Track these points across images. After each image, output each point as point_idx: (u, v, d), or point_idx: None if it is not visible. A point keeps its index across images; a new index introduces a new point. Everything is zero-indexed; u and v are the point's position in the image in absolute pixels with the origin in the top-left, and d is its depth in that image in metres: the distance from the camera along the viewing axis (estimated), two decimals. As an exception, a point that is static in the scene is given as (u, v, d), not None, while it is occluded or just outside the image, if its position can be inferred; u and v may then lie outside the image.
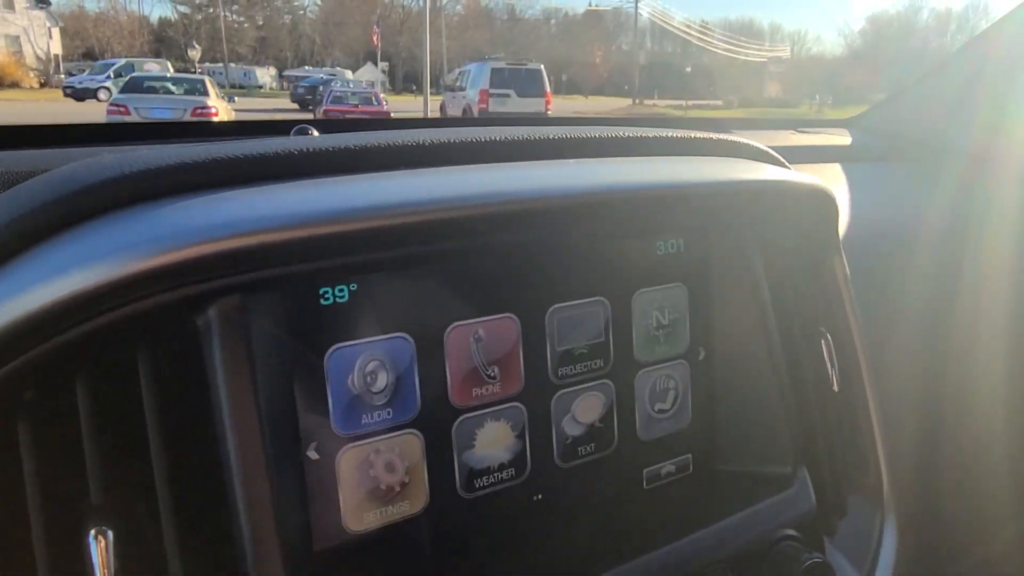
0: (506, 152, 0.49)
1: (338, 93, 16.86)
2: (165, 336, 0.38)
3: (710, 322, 0.58)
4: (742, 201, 0.53)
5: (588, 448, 0.53)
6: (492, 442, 0.49)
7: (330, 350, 0.42)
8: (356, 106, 15.88)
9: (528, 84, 15.25)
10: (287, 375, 0.41)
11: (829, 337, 0.59)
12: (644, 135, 0.56)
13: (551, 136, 0.52)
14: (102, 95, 21.87)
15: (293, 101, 23.98)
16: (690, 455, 0.58)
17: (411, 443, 0.46)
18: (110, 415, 0.37)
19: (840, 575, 0.53)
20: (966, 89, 1.09)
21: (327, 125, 0.94)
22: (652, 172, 0.51)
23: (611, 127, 0.56)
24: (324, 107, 15.94)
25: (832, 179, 0.96)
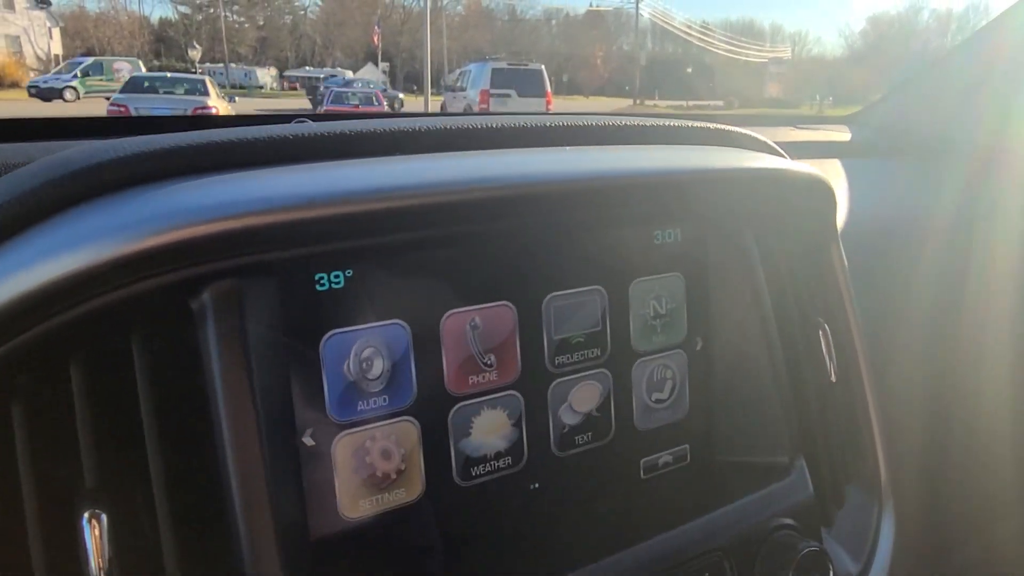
0: (503, 139, 0.49)
1: (339, 92, 16.93)
2: (160, 320, 0.38)
3: (708, 312, 0.58)
4: (739, 189, 0.53)
5: (585, 437, 0.52)
6: (489, 430, 0.49)
7: (326, 336, 0.42)
8: (356, 106, 15.91)
9: (529, 84, 15.25)
10: (282, 360, 0.41)
11: (827, 328, 0.59)
12: (641, 124, 0.56)
13: (548, 124, 0.52)
14: (68, 95, 21.34)
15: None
16: (687, 445, 0.57)
17: (407, 430, 0.46)
18: (104, 399, 0.36)
19: (837, 565, 0.53)
20: (966, 85, 1.09)
21: (326, 119, 0.94)
22: (649, 159, 0.51)
23: (608, 116, 0.56)
24: (325, 107, 15.99)
25: (831, 175, 0.96)
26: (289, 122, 0.69)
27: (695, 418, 0.58)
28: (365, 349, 0.44)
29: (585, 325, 0.52)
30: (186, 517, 0.38)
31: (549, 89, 16.02)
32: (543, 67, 16.21)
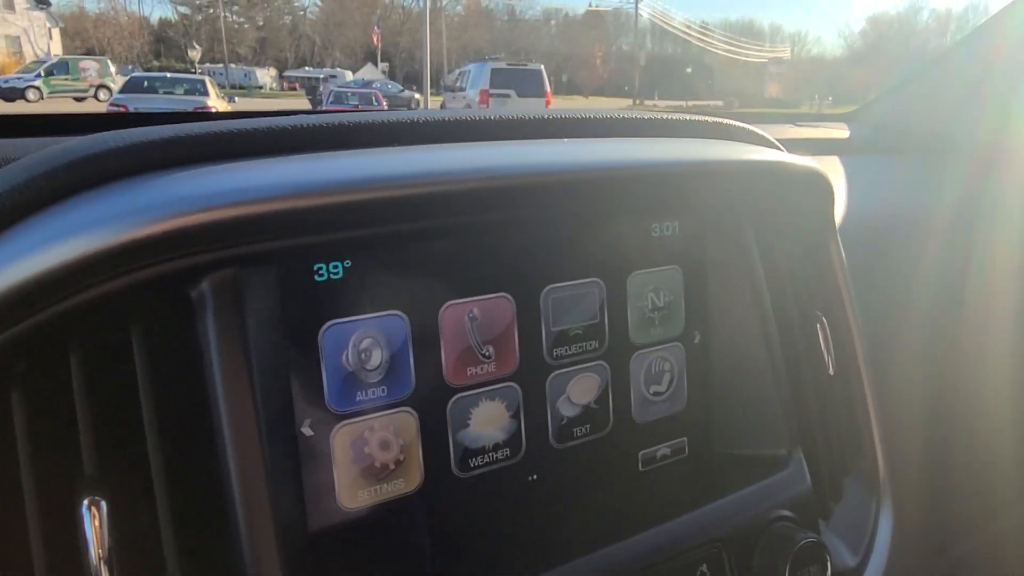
0: (501, 131, 0.49)
1: (339, 92, 16.96)
2: (159, 309, 0.38)
3: (706, 305, 0.58)
4: (737, 182, 0.53)
5: (583, 429, 0.53)
6: (487, 422, 0.49)
7: (324, 327, 0.42)
8: (356, 107, 15.94)
9: (528, 84, 15.25)
10: (281, 350, 0.41)
11: (825, 321, 0.59)
12: (639, 117, 0.56)
13: (546, 117, 0.52)
14: (31, 95, 20.42)
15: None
16: (685, 438, 0.58)
17: (406, 421, 0.46)
18: (103, 387, 0.37)
19: (835, 557, 0.53)
20: (964, 82, 1.09)
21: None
22: (646, 151, 0.51)
23: (607, 110, 0.56)
24: (324, 108, 16.02)
25: (829, 171, 0.96)
26: None
27: (693, 411, 0.58)
28: (364, 340, 0.44)
29: (583, 317, 0.52)
30: (185, 506, 0.38)
31: (548, 89, 16.02)
32: (542, 67, 16.22)
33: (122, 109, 11.46)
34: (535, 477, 0.51)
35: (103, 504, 0.35)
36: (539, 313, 0.50)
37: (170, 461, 0.38)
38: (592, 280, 0.52)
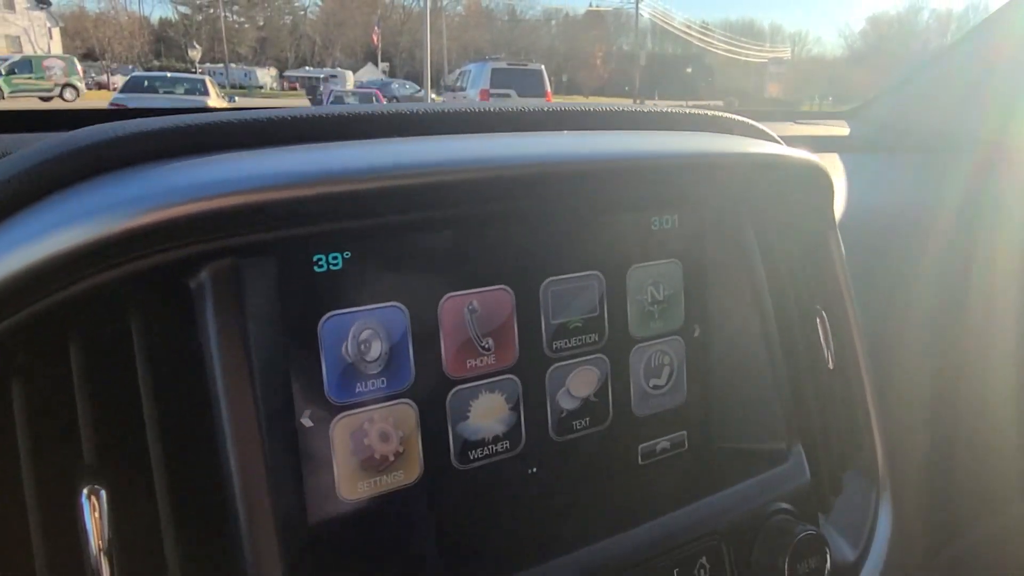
0: (501, 123, 0.49)
1: (339, 93, 16.98)
2: (158, 299, 0.38)
3: (705, 299, 0.58)
4: (736, 174, 0.53)
5: (583, 422, 0.53)
6: (486, 414, 0.49)
7: (324, 317, 0.42)
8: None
9: (529, 84, 15.25)
10: (280, 341, 0.41)
11: (824, 315, 0.59)
12: (639, 110, 0.56)
13: (546, 109, 0.52)
14: None
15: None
16: (685, 432, 0.58)
17: (405, 413, 0.46)
18: (103, 377, 0.37)
19: (835, 551, 0.53)
20: (964, 80, 1.09)
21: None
22: (646, 143, 0.51)
23: (606, 104, 0.56)
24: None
25: (829, 168, 0.96)
26: None
27: (693, 405, 0.58)
28: (363, 331, 0.44)
29: (583, 310, 0.52)
30: (184, 496, 0.38)
31: (549, 89, 16.01)
32: (543, 67, 16.22)
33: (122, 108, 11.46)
34: (535, 470, 0.51)
35: (103, 493, 0.35)
36: (539, 306, 0.50)
37: (170, 451, 0.38)
38: (592, 273, 0.52)
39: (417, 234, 0.45)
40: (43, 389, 0.36)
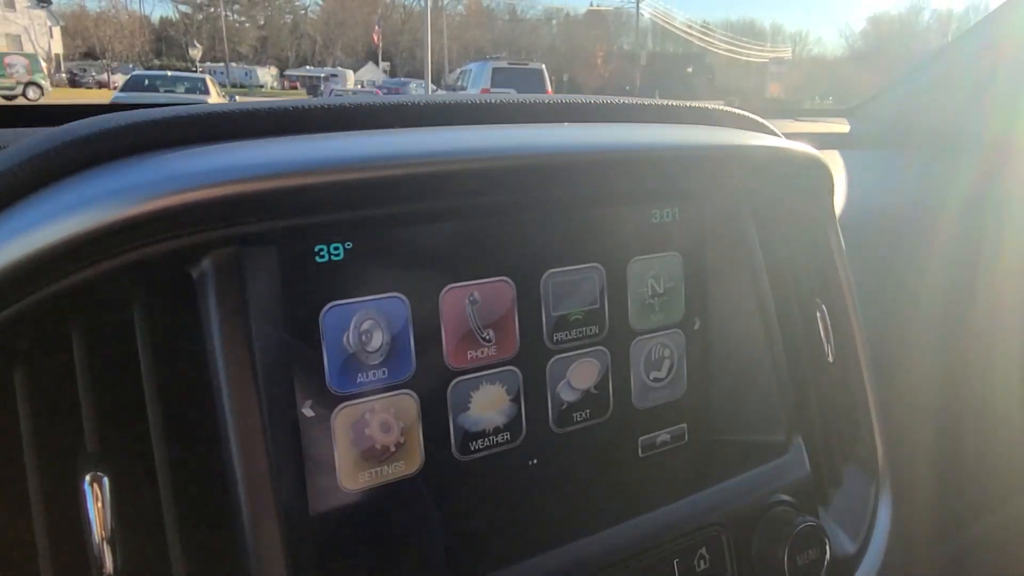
0: (503, 115, 0.50)
1: (340, 92, 16.99)
2: (160, 288, 0.38)
3: (705, 292, 0.58)
4: (736, 166, 0.53)
5: (583, 414, 0.53)
6: (487, 405, 0.49)
7: (325, 308, 0.43)
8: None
9: (529, 84, 15.23)
10: (282, 331, 0.41)
11: (824, 308, 0.59)
12: (640, 103, 0.56)
13: (547, 102, 0.52)
14: None
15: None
16: (685, 425, 0.58)
17: (406, 403, 0.46)
18: (105, 365, 0.37)
19: (834, 543, 0.53)
20: (965, 77, 1.09)
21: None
22: (646, 135, 0.51)
23: (607, 97, 0.56)
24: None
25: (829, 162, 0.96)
26: None
27: (693, 397, 0.58)
28: (365, 322, 0.44)
29: (583, 302, 0.52)
30: (187, 485, 0.38)
31: (550, 88, 16.01)
32: (543, 66, 16.22)
33: (123, 107, 11.46)
34: (535, 461, 0.51)
35: (105, 480, 0.36)
36: (539, 297, 0.50)
37: (171, 439, 0.38)
38: (592, 265, 0.52)
39: (418, 225, 0.45)
40: (46, 377, 0.36)
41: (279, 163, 0.36)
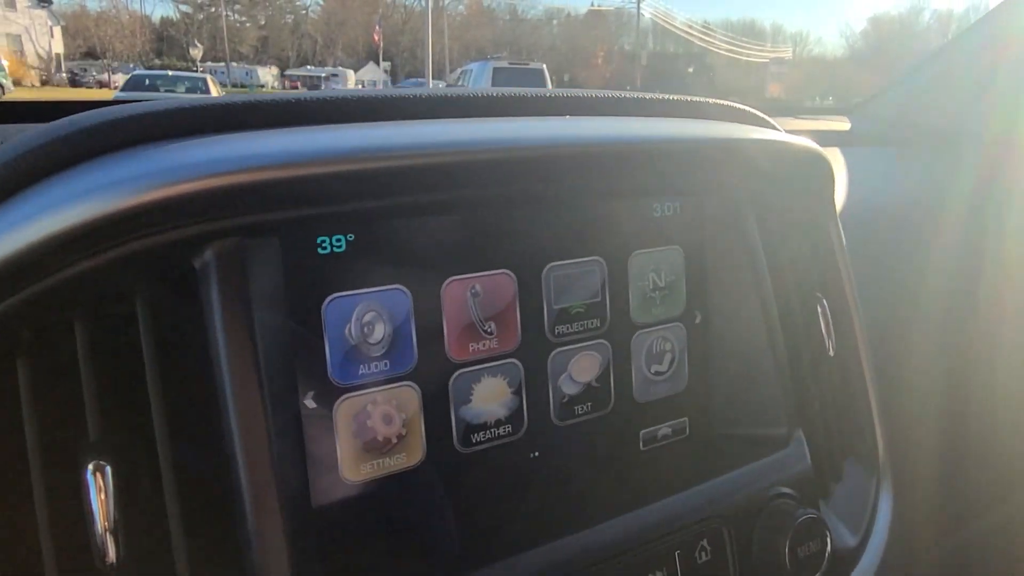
0: (505, 108, 0.50)
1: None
2: (163, 278, 0.38)
3: (706, 286, 0.58)
4: (737, 159, 0.53)
5: (585, 407, 0.53)
6: (489, 398, 0.49)
7: (327, 299, 0.43)
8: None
9: (530, 84, 15.20)
10: (284, 322, 0.42)
11: (825, 303, 0.59)
12: (641, 97, 0.56)
13: (548, 95, 0.52)
14: None
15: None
16: (686, 418, 0.58)
17: (408, 395, 0.46)
18: (108, 354, 0.37)
19: (835, 536, 0.53)
20: (966, 76, 1.10)
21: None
22: (648, 128, 0.51)
23: (608, 91, 0.56)
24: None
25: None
26: None
27: (694, 391, 0.58)
28: (367, 313, 0.44)
29: (585, 295, 0.52)
30: (189, 475, 0.39)
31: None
32: (544, 66, 16.24)
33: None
34: (536, 454, 0.51)
35: (108, 470, 0.36)
36: (541, 290, 0.50)
37: (174, 429, 0.38)
38: (594, 259, 0.52)
39: (420, 217, 0.45)
40: (48, 367, 0.36)
41: (280, 153, 0.36)
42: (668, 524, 0.49)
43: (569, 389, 0.52)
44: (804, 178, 0.57)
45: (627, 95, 0.56)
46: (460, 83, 17.31)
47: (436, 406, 0.47)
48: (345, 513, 0.45)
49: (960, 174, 0.96)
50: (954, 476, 0.81)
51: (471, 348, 0.48)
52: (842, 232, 0.60)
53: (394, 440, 0.46)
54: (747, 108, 0.60)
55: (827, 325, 0.59)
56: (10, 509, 0.35)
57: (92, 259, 0.35)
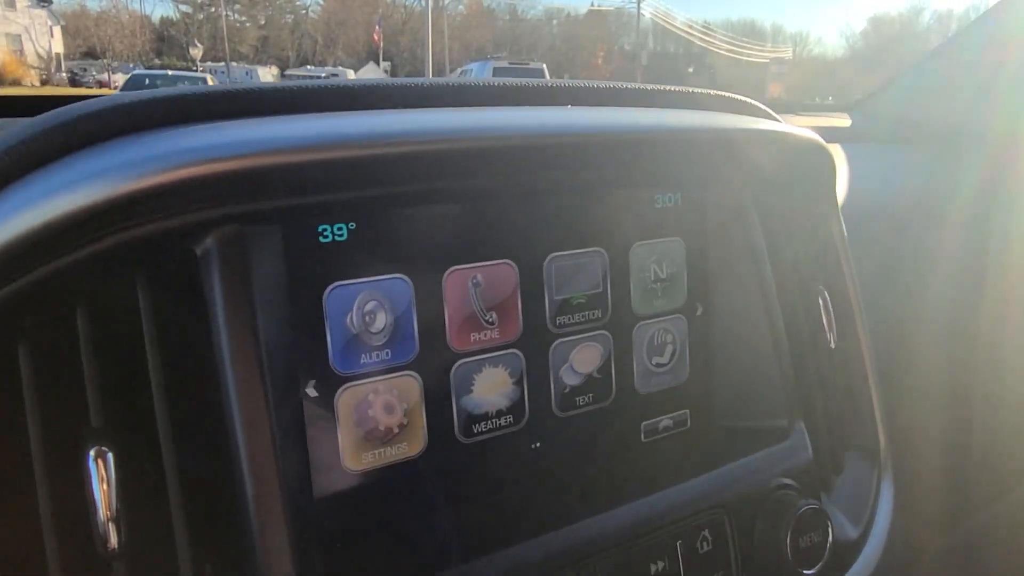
0: (507, 97, 0.50)
1: None
2: (165, 265, 0.38)
3: (708, 277, 0.58)
4: (738, 150, 0.53)
5: (586, 398, 0.53)
6: (490, 388, 0.49)
7: (329, 288, 0.43)
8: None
9: (530, 83, 15.22)
10: (286, 310, 0.42)
11: (826, 294, 0.59)
12: (642, 88, 0.56)
13: (549, 86, 0.52)
14: None
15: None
16: (687, 410, 0.58)
17: (409, 385, 0.46)
18: (110, 341, 0.37)
19: (837, 527, 0.53)
20: (966, 73, 1.10)
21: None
22: (649, 117, 0.51)
23: (609, 83, 0.56)
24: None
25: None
26: None
27: (695, 383, 0.58)
28: (368, 302, 0.44)
29: (586, 286, 0.52)
30: (190, 462, 0.39)
31: (550, 88, 16.01)
32: (544, 66, 16.27)
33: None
34: (538, 444, 0.51)
35: (109, 456, 0.36)
36: (542, 281, 0.50)
37: (176, 415, 0.38)
38: (595, 250, 0.52)
39: (422, 207, 0.45)
40: (50, 353, 0.36)
41: (280, 139, 0.36)
42: (670, 514, 0.49)
43: (570, 380, 0.52)
44: (805, 169, 0.57)
45: (628, 86, 0.56)
46: (460, 83, 17.31)
47: (437, 396, 0.47)
48: (346, 501, 0.45)
49: (961, 170, 0.96)
50: (956, 468, 0.81)
51: (472, 338, 0.48)
52: (843, 224, 0.60)
53: (395, 430, 0.46)
54: (748, 100, 0.60)
55: (828, 317, 0.59)
56: (12, 495, 0.35)
57: (93, 245, 0.35)
